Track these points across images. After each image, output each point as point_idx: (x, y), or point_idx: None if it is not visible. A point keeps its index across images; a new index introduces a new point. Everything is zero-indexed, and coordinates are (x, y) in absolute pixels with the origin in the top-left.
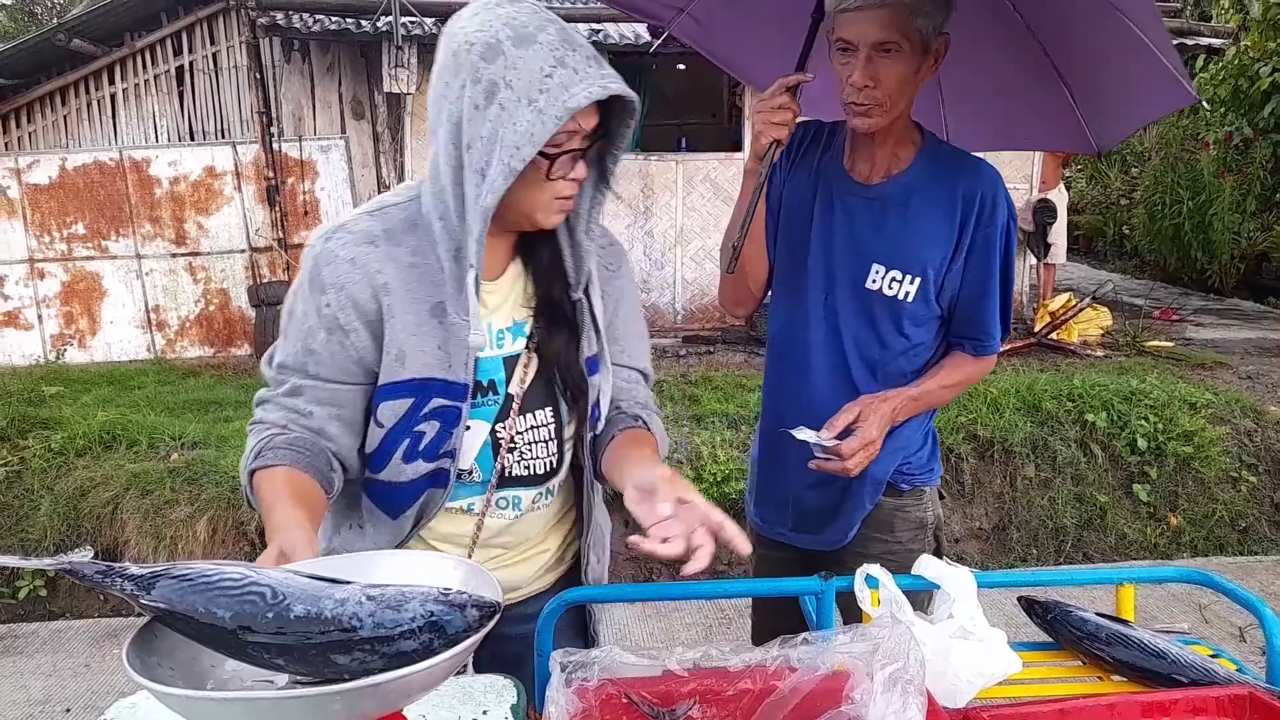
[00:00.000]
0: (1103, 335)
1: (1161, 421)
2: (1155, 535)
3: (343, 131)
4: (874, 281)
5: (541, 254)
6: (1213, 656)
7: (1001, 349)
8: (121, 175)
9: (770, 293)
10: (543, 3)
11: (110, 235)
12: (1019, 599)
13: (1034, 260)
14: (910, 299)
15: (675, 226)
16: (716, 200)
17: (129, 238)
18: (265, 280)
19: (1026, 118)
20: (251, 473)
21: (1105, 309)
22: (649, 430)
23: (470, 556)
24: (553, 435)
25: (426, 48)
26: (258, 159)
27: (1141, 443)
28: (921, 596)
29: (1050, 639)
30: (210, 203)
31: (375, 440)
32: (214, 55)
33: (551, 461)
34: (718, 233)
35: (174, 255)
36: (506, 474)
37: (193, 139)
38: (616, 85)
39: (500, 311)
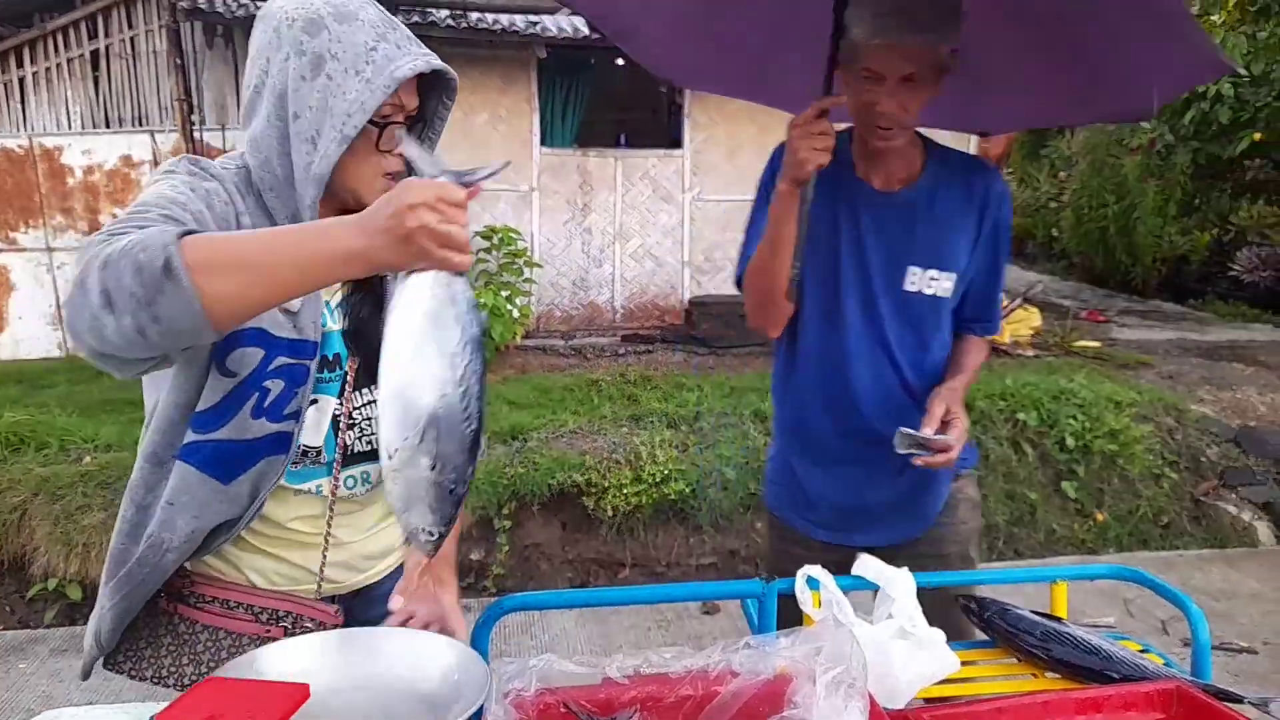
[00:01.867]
0: (1033, 335)
1: (1089, 420)
2: (1082, 531)
3: None
4: (912, 283)
5: None
6: (1142, 652)
7: None
8: (31, 164)
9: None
10: None
11: (19, 227)
12: (956, 598)
13: None
14: (949, 294)
15: (614, 224)
16: (656, 198)
17: (39, 229)
18: None
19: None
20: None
21: (1035, 310)
22: None
23: (326, 537)
24: None
25: None
26: (178, 148)
27: (1070, 440)
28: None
29: (987, 637)
30: (127, 193)
31: (221, 392)
32: (131, 39)
33: None
34: (658, 230)
35: None
36: (350, 451)
37: (108, 126)
38: (438, 62)
39: (334, 287)
